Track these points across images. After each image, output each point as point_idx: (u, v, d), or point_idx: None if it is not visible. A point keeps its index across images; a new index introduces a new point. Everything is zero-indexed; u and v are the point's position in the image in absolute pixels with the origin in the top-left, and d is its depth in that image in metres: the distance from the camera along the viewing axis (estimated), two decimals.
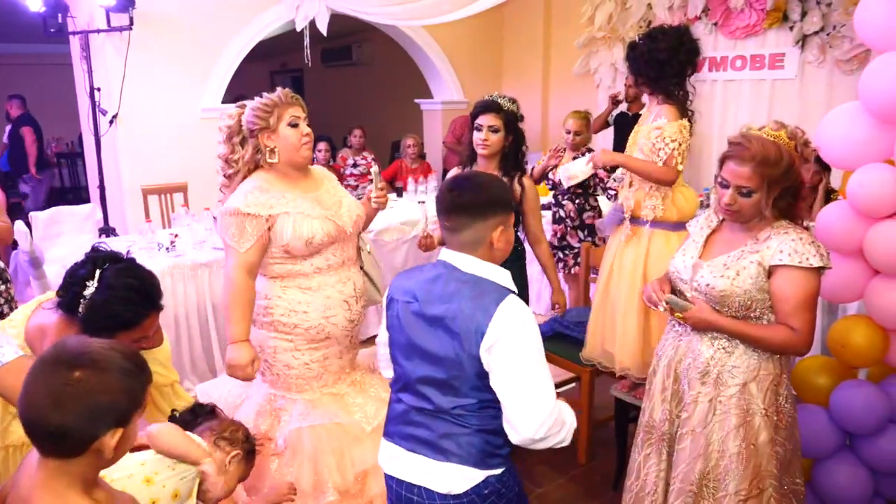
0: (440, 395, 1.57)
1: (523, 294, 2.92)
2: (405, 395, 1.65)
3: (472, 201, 1.59)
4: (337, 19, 5.55)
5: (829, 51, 4.90)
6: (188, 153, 5.27)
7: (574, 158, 3.89)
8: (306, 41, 5.64)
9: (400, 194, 5.66)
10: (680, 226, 2.65)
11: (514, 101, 2.81)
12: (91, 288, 1.79)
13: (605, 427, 3.19)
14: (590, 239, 4.06)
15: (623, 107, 5.61)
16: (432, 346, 1.57)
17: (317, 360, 2.26)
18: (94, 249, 1.91)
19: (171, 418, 1.78)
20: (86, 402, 1.11)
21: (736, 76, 5.47)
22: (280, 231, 2.15)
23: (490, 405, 1.56)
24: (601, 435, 3.21)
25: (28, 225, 4.12)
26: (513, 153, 2.79)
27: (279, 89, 2.24)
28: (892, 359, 2.28)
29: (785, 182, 1.78)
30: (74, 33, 4.97)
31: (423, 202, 5.20)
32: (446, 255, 1.64)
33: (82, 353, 1.16)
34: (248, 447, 1.77)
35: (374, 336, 4.81)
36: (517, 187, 2.78)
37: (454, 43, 6.79)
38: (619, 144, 5.39)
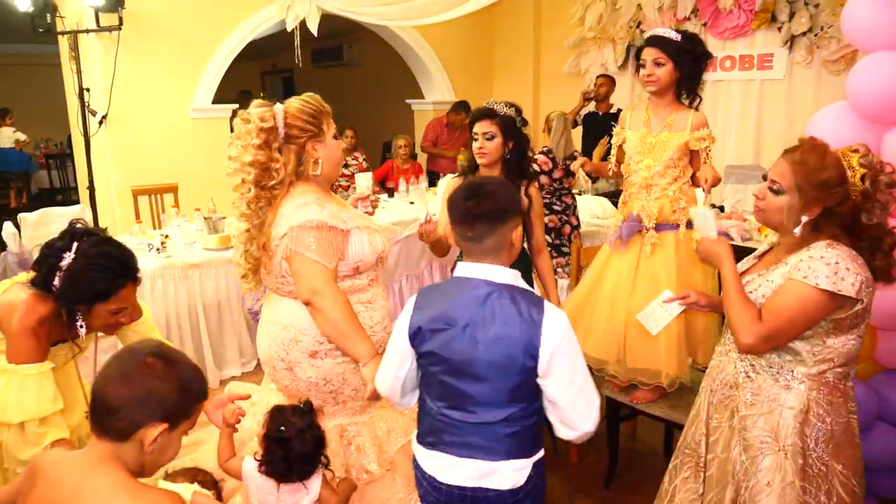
0: (489, 410, 1.61)
1: None
2: (453, 412, 1.65)
3: (492, 209, 1.60)
4: (328, 20, 5.55)
5: (816, 51, 4.94)
6: (178, 154, 5.25)
7: None
8: (297, 41, 5.63)
9: (391, 195, 5.66)
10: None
11: (512, 105, 2.68)
12: (68, 259, 1.80)
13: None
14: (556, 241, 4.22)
15: (591, 106, 5.66)
16: (484, 366, 1.58)
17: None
18: (72, 225, 1.90)
19: (276, 440, 1.73)
20: (146, 384, 1.23)
21: (725, 76, 5.51)
22: (356, 246, 2.00)
23: (536, 406, 1.64)
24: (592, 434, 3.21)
25: (17, 226, 4.10)
26: (515, 160, 2.66)
27: (312, 94, 2.04)
28: (880, 357, 2.30)
29: (824, 199, 1.61)
30: (63, 33, 4.94)
31: (414, 202, 5.22)
32: (472, 269, 1.64)
33: (160, 346, 1.32)
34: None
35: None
36: (524, 198, 2.66)
37: (445, 43, 6.79)
38: (588, 144, 5.38)
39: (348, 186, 5.93)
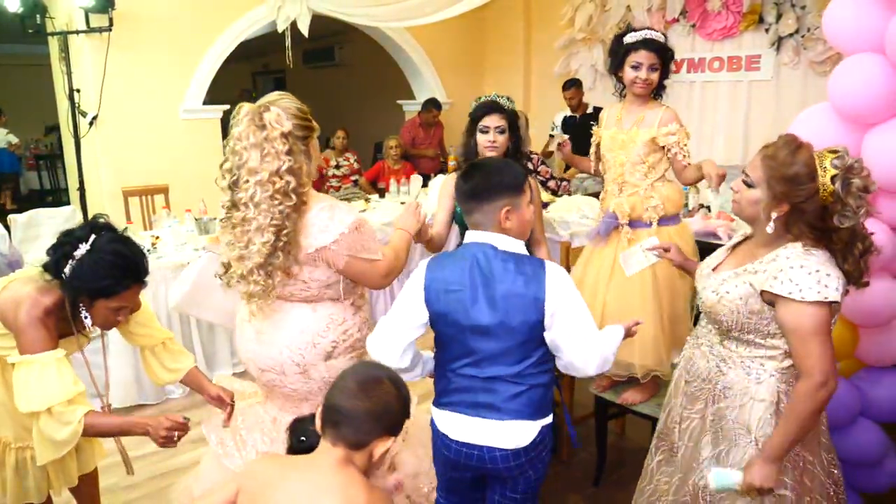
0: (504, 365, 1.74)
1: None
2: (471, 369, 1.77)
3: (475, 186, 1.79)
4: (319, 20, 5.56)
5: (803, 52, 4.99)
6: (169, 154, 5.26)
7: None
8: (288, 42, 5.64)
9: (382, 195, 5.68)
10: (676, 219, 2.71)
11: (511, 99, 2.72)
12: (83, 249, 1.83)
13: (585, 424, 3.23)
14: None
15: (568, 110, 5.73)
16: (495, 322, 1.71)
17: None
18: (95, 218, 1.94)
19: (297, 451, 1.67)
20: (383, 400, 1.43)
21: (713, 77, 5.55)
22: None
23: (544, 360, 1.78)
24: (581, 432, 3.24)
25: (6, 227, 4.09)
26: (513, 153, 2.68)
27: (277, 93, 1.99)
28: (861, 354, 2.33)
29: (790, 195, 1.63)
30: (53, 34, 4.94)
31: (405, 203, 5.23)
32: (475, 236, 1.80)
33: (389, 370, 1.55)
34: None
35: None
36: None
37: (436, 44, 6.82)
38: (572, 147, 5.39)
39: (339, 188, 5.94)
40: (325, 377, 2.00)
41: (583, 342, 1.74)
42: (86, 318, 1.90)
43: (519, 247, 1.80)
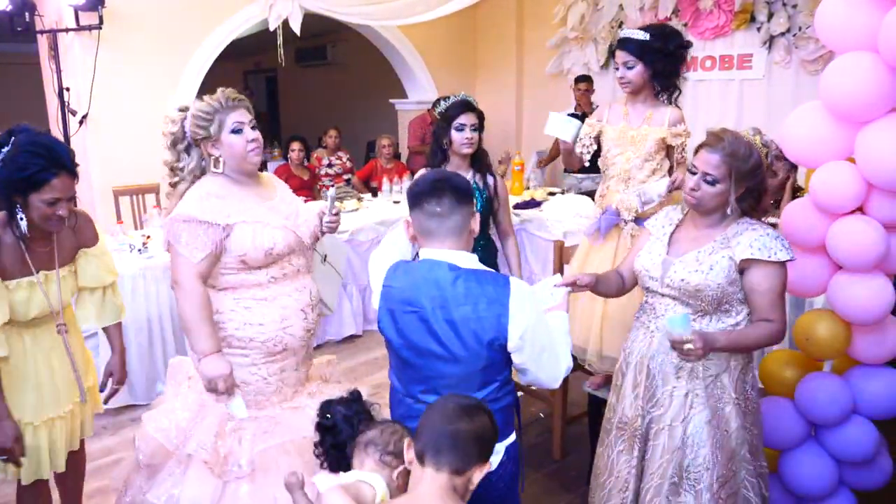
0: (465, 391, 1.64)
1: None
2: (431, 395, 1.68)
3: (458, 186, 1.68)
4: (311, 19, 5.53)
5: (794, 51, 5.01)
6: (160, 153, 5.18)
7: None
8: (280, 41, 5.61)
9: (375, 194, 5.66)
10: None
11: (474, 100, 2.91)
12: (3, 152, 1.91)
13: (579, 423, 3.23)
14: None
15: (572, 108, 5.73)
16: (455, 346, 1.63)
17: (274, 374, 2.15)
18: (13, 126, 2.00)
19: (323, 428, 1.74)
20: (483, 424, 1.45)
21: (706, 76, 5.57)
22: (238, 241, 2.03)
23: (507, 381, 1.73)
24: (575, 431, 3.24)
25: None
26: (480, 151, 2.90)
27: (220, 91, 2.11)
28: (855, 351, 2.34)
29: (750, 181, 1.89)
30: (42, 32, 4.89)
31: (399, 202, 5.22)
32: (436, 253, 1.68)
33: (481, 401, 1.56)
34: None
35: (352, 335, 4.78)
36: (490, 182, 2.88)
37: (428, 43, 6.80)
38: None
39: (331, 186, 5.93)
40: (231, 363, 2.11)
41: (550, 360, 1.71)
42: (21, 219, 1.97)
43: (475, 262, 1.71)
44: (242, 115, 2.09)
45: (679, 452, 1.99)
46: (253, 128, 2.10)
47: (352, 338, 4.70)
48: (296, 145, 5.81)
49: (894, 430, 2.58)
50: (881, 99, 2.01)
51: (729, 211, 1.93)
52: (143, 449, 2.14)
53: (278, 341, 2.11)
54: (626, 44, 2.63)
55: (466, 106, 2.78)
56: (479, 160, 2.88)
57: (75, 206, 2.22)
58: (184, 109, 2.15)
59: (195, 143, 2.13)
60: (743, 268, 1.91)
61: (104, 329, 2.38)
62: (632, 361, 2.10)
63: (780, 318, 1.92)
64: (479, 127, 2.82)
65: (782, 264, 1.90)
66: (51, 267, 2.11)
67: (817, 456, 2.38)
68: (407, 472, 1.62)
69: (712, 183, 1.89)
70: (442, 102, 2.87)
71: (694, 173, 1.93)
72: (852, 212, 2.18)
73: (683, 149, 2.67)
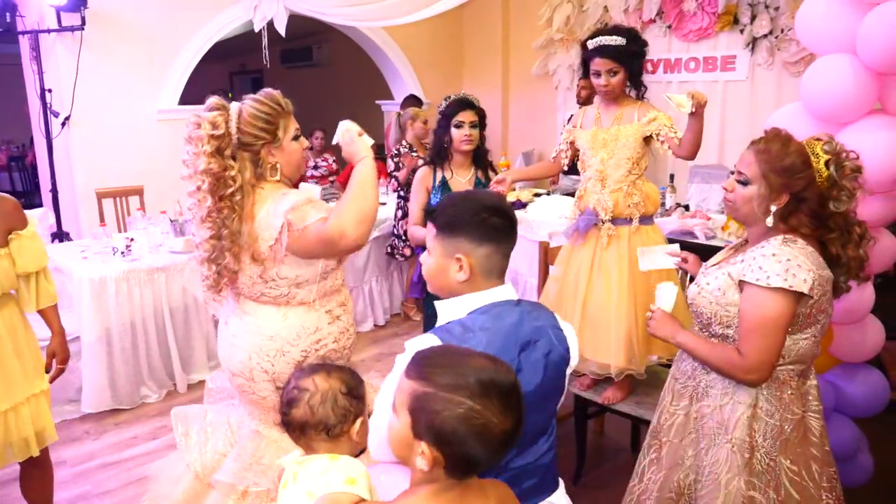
0: (543, 440, 1.48)
1: None
2: (517, 459, 1.44)
3: (509, 222, 1.47)
4: (296, 20, 5.52)
5: (777, 53, 5.05)
6: (144, 155, 5.18)
7: None
8: (264, 42, 5.59)
9: None
10: (651, 219, 2.75)
11: (474, 98, 2.95)
12: None
13: (565, 423, 3.24)
14: None
15: (574, 108, 5.70)
16: (541, 390, 1.42)
17: None
18: None
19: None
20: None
21: (690, 78, 5.59)
22: None
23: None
24: (561, 431, 3.24)
25: None
26: (483, 150, 2.98)
27: (270, 92, 1.92)
28: (835, 350, 2.36)
29: (790, 185, 1.62)
30: (24, 33, 4.85)
31: (384, 203, 5.21)
32: (508, 292, 1.47)
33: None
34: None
35: None
36: (493, 175, 2.96)
37: (414, 44, 6.80)
38: None
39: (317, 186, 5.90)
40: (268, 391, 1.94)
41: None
42: None
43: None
44: (295, 122, 1.97)
45: (677, 469, 1.86)
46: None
47: None
48: (319, 134, 5.87)
49: (875, 428, 2.61)
50: (860, 100, 2.04)
51: (768, 221, 1.65)
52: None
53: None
54: (605, 51, 2.62)
55: (464, 103, 2.85)
56: (480, 158, 2.95)
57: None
58: (219, 108, 1.87)
59: (248, 147, 1.88)
60: (741, 288, 1.67)
61: (41, 313, 2.38)
62: (672, 372, 1.96)
63: (751, 354, 1.62)
64: (480, 125, 2.88)
65: (775, 293, 1.58)
66: None
67: None
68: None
69: (744, 183, 1.68)
70: (442, 102, 2.94)
71: (732, 174, 1.76)
72: None
73: (670, 128, 2.56)
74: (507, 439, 1.09)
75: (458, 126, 2.85)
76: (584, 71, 2.78)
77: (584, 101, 5.49)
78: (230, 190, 1.82)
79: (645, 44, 2.71)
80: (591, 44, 2.66)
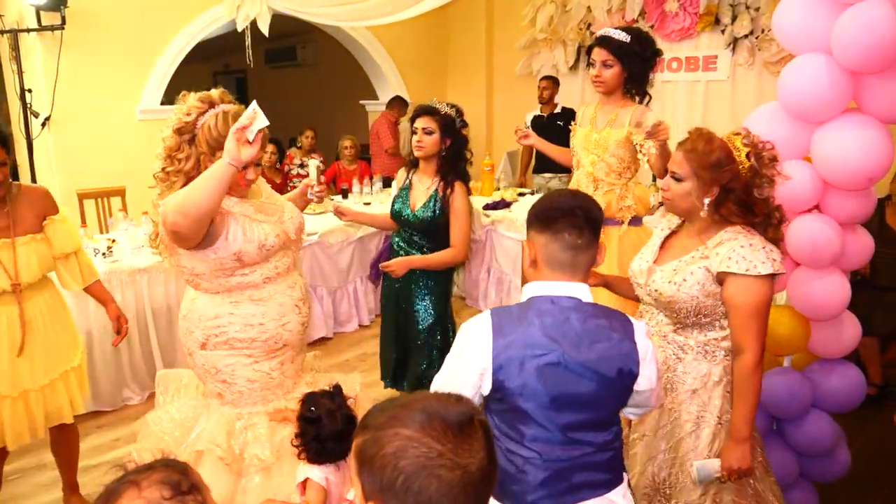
0: (596, 433, 1.49)
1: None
2: (551, 452, 1.46)
3: (597, 218, 1.51)
4: (280, 19, 5.50)
5: (758, 53, 5.11)
6: (125, 156, 5.12)
7: None
8: (248, 42, 5.57)
9: (345, 196, 5.64)
10: (640, 220, 2.76)
11: (454, 106, 2.79)
12: None
13: None
14: None
15: (538, 109, 5.77)
16: (587, 389, 1.44)
17: (276, 368, 2.18)
18: None
19: (307, 420, 1.78)
20: None
21: (672, 77, 5.65)
22: (231, 235, 2.01)
23: (619, 417, 1.57)
24: None
25: None
26: (451, 157, 2.79)
27: (233, 109, 2.02)
28: (814, 347, 2.39)
29: (718, 178, 1.75)
30: (2, 32, 4.80)
31: (369, 203, 5.21)
32: (557, 288, 1.50)
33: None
34: None
35: (322, 338, 4.75)
36: (448, 190, 2.77)
37: (398, 44, 6.80)
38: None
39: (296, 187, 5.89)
40: (203, 365, 2.15)
41: (659, 389, 1.59)
42: None
43: (591, 296, 1.55)
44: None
45: (652, 464, 1.91)
46: (257, 163, 2.05)
47: (322, 340, 4.67)
48: (270, 147, 5.80)
49: (853, 423, 2.65)
50: (835, 99, 2.07)
51: (702, 213, 1.80)
52: (146, 448, 2.17)
53: (278, 338, 2.14)
54: (606, 42, 2.65)
55: (422, 111, 2.77)
56: (446, 166, 2.79)
57: (11, 175, 2.46)
58: (206, 101, 2.02)
59: (197, 146, 2.01)
60: (721, 280, 1.77)
61: (88, 291, 2.69)
62: None
63: (753, 344, 1.75)
64: (444, 132, 2.74)
65: (763, 279, 1.72)
66: (8, 235, 2.40)
67: (779, 449, 2.43)
68: None
69: (679, 180, 1.82)
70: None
71: (667, 173, 1.90)
72: (809, 210, 2.23)
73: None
74: (469, 478, 0.89)
75: (414, 132, 2.81)
76: (587, 62, 2.80)
77: (546, 102, 5.57)
78: (172, 168, 2.03)
79: (653, 49, 2.69)
80: (598, 33, 2.72)
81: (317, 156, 6.24)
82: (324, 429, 1.76)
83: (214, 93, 2.05)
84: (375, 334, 4.87)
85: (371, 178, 5.75)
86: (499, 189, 5.65)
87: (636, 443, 1.97)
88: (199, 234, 1.90)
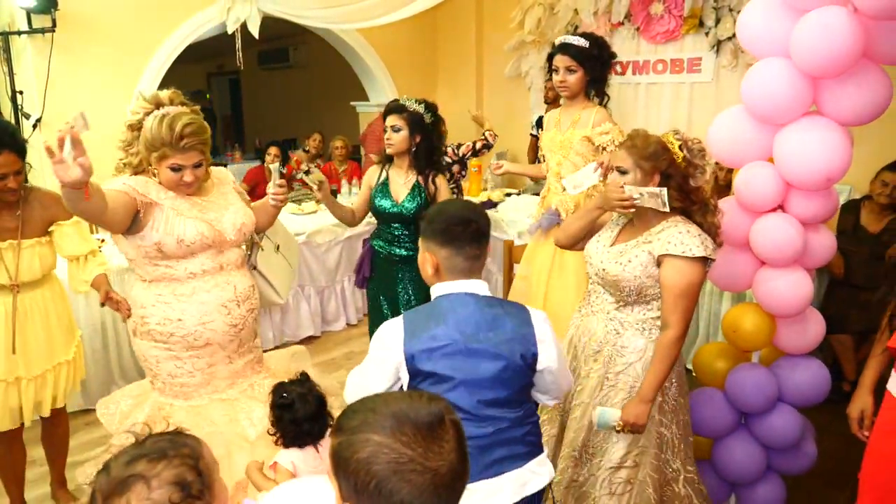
0: (507, 410, 1.66)
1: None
2: (466, 430, 1.55)
3: (487, 229, 1.74)
4: (273, 21, 5.55)
5: (741, 55, 5.16)
6: (116, 157, 5.14)
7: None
8: (238, 44, 5.62)
9: (335, 195, 5.69)
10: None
11: (423, 102, 2.87)
12: None
13: None
14: None
15: (542, 109, 5.80)
16: (492, 371, 1.63)
17: (200, 368, 2.21)
18: None
19: (281, 407, 1.86)
20: None
21: (657, 79, 5.70)
22: (154, 226, 2.09)
23: (530, 396, 1.77)
24: None
25: None
26: (423, 152, 2.88)
27: (181, 124, 2.08)
28: (779, 342, 2.45)
29: (657, 166, 2.02)
30: None
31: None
32: (459, 286, 1.69)
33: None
34: None
35: (310, 336, 4.79)
36: (431, 186, 2.89)
37: (389, 46, 6.85)
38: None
39: (293, 188, 5.95)
40: (136, 350, 2.27)
41: (564, 370, 1.78)
42: None
43: (488, 290, 1.75)
44: (189, 159, 2.10)
45: (585, 429, 2.15)
46: (197, 165, 2.12)
47: (310, 339, 4.72)
48: (273, 150, 5.88)
49: (820, 417, 2.71)
50: (796, 102, 2.13)
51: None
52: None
53: (198, 336, 2.18)
54: (568, 49, 2.74)
55: (388, 109, 2.87)
56: (419, 161, 2.88)
57: (25, 181, 2.51)
58: (152, 102, 2.16)
59: (141, 145, 2.18)
60: (660, 262, 2.02)
61: (92, 285, 2.66)
62: (564, 342, 2.25)
63: (678, 322, 1.98)
64: (412, 129, 2.82)
65: (696, 262, 1.97)
66: (15, 237, 2.45)
67: (747, 443, 2.50)
68: None
69: (623, 173, 2.06)
70: None
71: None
72: (773, 210, 2.29)
73: (613, 142, 2.73)
74: (440, 480, 0.95)
75: (385, 130, 2.89)
76: (549, 69, 2.87)
77: (552, 102, 5.59)
78: (123, 160, 2.23)
79: (609, 53, 2.79)
80: (557, 41, 2.79)
81: (322, 161, 6.30)
82: (297, 412, 1.85)
83: (164, 94, 2.14)
84: (363, 333, 4.94)
85: (360, 178, 5.80)
86: (486, 189, 5.71)
87: (576, 409, 2.18)
88: (104, 224, 2.05)
